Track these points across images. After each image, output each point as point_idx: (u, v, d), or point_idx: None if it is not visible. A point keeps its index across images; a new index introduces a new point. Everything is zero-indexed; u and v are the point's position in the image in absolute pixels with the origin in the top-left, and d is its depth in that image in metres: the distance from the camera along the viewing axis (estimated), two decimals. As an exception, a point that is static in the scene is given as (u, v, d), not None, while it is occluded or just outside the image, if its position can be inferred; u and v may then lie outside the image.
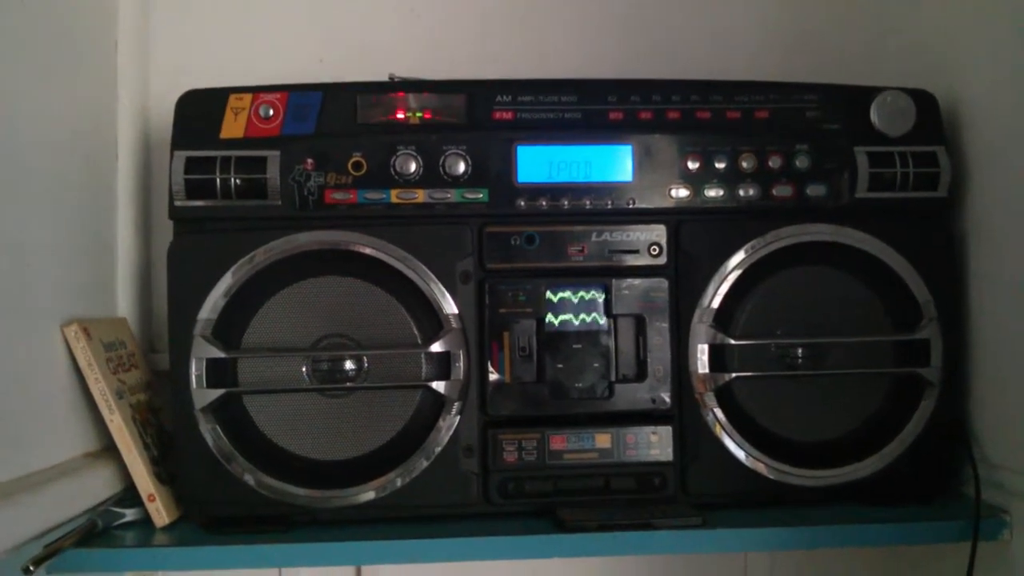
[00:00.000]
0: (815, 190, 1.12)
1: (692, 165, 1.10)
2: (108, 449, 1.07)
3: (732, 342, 1.10)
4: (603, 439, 1.08)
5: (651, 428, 1.08)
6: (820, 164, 1.11)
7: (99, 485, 1.04)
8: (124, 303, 1.22)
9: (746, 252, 1.10)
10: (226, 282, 1.02)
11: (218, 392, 1.02)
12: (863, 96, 1.13)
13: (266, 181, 1.04)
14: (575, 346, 1.09)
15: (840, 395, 1.12)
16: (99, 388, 1.04)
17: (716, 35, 1.38)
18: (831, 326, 1.11)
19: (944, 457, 1.12)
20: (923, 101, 1.13)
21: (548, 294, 1.08)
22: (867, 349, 1.11)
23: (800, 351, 1.11)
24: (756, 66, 1.33)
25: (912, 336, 1.11)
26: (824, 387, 1.11)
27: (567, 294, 1.09)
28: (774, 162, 1.11)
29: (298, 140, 1.05)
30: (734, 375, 1.10)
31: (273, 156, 1.05)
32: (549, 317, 1.08)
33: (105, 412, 1.04)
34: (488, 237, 1.07)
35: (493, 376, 1.07)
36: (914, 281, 1.11)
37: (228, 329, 1.03)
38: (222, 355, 1.02)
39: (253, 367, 1.03)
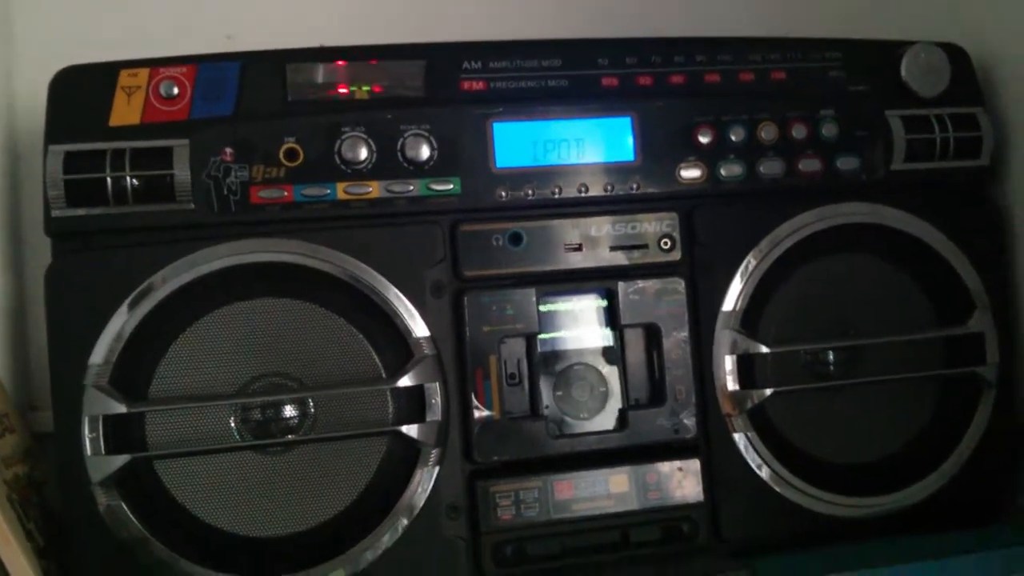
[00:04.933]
0: (847, 163, 1.01)
1: (704, 138, 0.98)
2: (-25, 542, 0.91)
3: (764, 350, 0.97)
4: (618, 482, 0.93)
5: (676, 463, 0.94)
6: (850, 132, 1.01)
7: (-35, 593, 0.88)
8: (-8, 351, 1.05)
9: (773, 240, 0.98)
10: (124, 314, 0.88)
11: (122, 459, 0.87)
12: (889, 52, 1.03)
13: (173, 179, 0.89)
14: (576, 367, 0.96)
15: (888, 406, 1.01)
16: (-40, 464, 0.88)
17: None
18: (872, 324, 1.00)
19: (1007, 469, 1.02)
20: (955, 57, 1.04)
21: (540, 305, 0.94)
22: (914, 349, 1.00)
23: (834, 356, 1.00)
24: (760, 22, 1.20)
25: (964, 330, 1.00)
26: (869, 398, 1.00)
27: (563, 304, 0.96)
28: (798, 131, 1.00)
29: (213, 124, 0.90)
30: (770, 391, 0.96)
31: (181, 146, 0.89)
32: (543, 334, 0.95)
33: (-31, 495, 0.87)
34: (463, 237, 0.93)
35: (479, 412, 0.92)
36: (962, 265, 1.02)
37: (130, 375, 0.89)
38: (124, 409, 0.87)
39: (165, 423, 0.89)
